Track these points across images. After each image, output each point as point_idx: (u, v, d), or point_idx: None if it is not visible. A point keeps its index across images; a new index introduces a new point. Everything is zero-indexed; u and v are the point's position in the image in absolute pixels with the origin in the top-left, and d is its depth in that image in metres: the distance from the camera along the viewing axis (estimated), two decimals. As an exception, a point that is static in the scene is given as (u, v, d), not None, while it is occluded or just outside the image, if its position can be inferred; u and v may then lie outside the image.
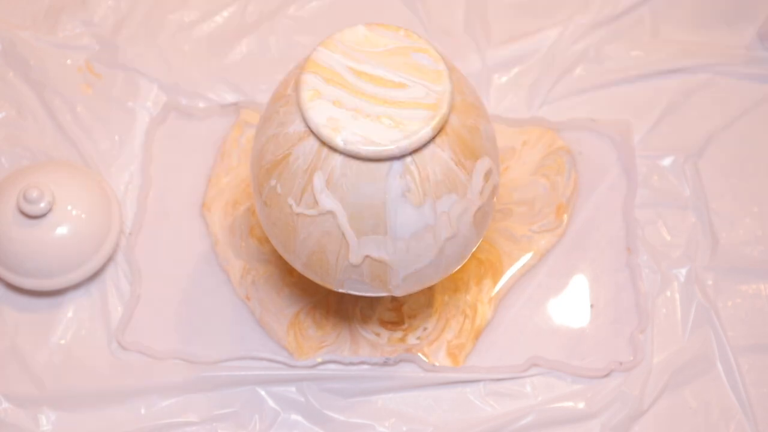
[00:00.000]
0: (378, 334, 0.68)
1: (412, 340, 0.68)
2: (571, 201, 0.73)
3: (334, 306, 0.69)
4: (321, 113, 0.54)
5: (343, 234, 0.56)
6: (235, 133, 0.75)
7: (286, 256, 0.61)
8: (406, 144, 0.53)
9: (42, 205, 0.66)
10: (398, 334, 0.69)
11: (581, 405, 0.67)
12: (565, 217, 0.72)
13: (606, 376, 0.68)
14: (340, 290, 0.60)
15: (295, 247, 0.59)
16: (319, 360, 0.67)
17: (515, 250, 0.71)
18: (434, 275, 0.60)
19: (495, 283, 0.70)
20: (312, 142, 0.55)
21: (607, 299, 0.70)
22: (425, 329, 0.69)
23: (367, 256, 0.57)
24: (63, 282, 0.68)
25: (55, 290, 0.69)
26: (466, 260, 0.61)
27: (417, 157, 0.54)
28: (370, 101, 0.55)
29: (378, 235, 0.56)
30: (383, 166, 0.54)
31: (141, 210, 0.72)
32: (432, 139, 0.54)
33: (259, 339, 0.68)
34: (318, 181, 0.55)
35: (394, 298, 0.69)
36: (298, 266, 0.60)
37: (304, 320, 0.69)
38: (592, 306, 0.70)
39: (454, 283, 0.70)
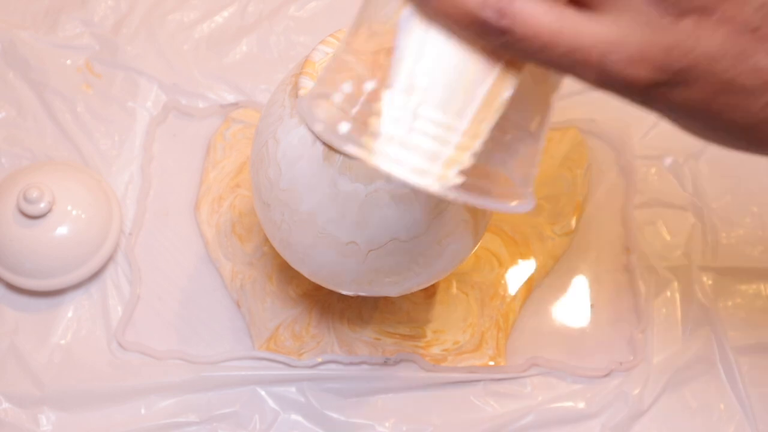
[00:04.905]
0: (378, 339, 0.68)
1: (435, 351, 0.68)
2: (586, 199, 0.73)
3: (316, 317, 0.69)
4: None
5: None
6: (222, 129, 0.75)
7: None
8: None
9: (42, 205, 0.66)
10: (419, 343, 0.68)
11: (581, 405, 0.67)
12: (573, 221, 0.72)
13: (606, 376, 0.68)
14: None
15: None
16: (320, 360, 0.67)
17: (543, 252, 0.71)
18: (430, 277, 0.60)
19: (525, 287, 0.70)
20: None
21: (607, 299, 0.70)
22: (456, 343, 0.68)
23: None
24: (63, 282, 0.68)
25: (55, 290, 0.69)
26: (464, 261, 0.61)
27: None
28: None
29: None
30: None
31: (141, 210, 0.72)
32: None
33: (259, 339, 0.69)
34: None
35: (409, 311, 0.69)
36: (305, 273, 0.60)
37: (282, 334, 0.68)
38: (592, 306, 0.70)
39: (494, 288, 0.70)
